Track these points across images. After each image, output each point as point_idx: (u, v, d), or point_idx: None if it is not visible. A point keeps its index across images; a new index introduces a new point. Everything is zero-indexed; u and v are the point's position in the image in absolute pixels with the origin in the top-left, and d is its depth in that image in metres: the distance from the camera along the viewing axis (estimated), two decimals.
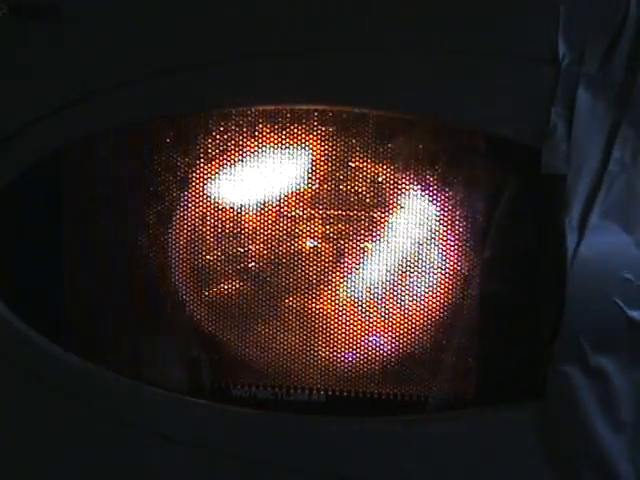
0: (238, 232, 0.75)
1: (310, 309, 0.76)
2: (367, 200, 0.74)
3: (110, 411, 0.76)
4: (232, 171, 0.75)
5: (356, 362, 0.76)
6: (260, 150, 0.74)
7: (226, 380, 0.77)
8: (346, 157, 0.74)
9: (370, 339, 0.76)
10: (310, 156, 0.74)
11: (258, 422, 0.75)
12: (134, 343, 0.78)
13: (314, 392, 0.76)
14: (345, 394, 0.76)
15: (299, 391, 0.76)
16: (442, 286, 0.74)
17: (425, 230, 0.74)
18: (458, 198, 0.73)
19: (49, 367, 0.76)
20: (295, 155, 0.74)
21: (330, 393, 0.76)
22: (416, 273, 0.74)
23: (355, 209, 0.74)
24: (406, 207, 0.74)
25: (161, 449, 0.75)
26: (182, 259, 0.77)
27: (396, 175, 0.73)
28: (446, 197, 0.73)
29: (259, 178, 0.75)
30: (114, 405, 0.76)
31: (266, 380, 0.76)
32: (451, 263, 0.74)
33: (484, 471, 0.73)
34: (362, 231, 0.74)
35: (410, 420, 0.74)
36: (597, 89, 0.67)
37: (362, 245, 0.75)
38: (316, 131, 0.73)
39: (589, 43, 0.67)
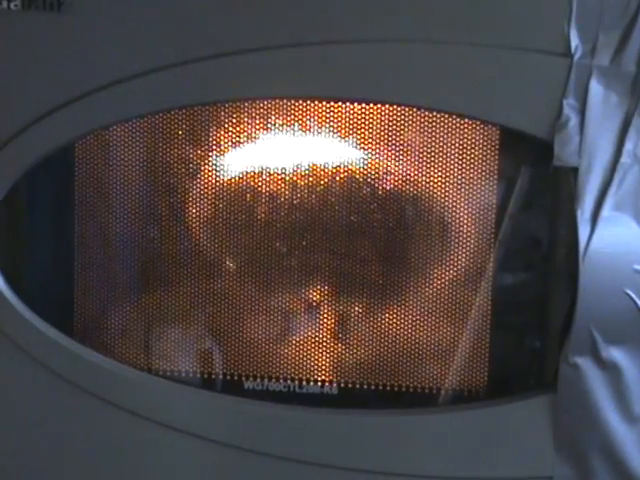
0: (251, 223, 0.76)
1: (324, 302, 0.76)
2: (379, 193, 0.74)
3: (121, 403, 0.76)
4: (244, 161, 0.75)
5: (369, 355, 0.76)
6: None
7: (238, 373, 0.77)
8: (358, 149, 0.74)
9: (382, 332, 0.76)
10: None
11: (270, 415, 0.75)
12: (145, 334, 0.78)
13: (326, 384, 0.76)
14: (358, 386, 0.76)
15: (311, 384, 0.76)
16: (454, 279, 0.74)
17: (436, 224, 0.74)
18: (470, 191, 0.73)
19: (59, 358, 0.76)
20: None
21: (342, 385, 0.76)
22: (428, 267, 0.75)
23: (368, 202, 0.74)
24: (417, 200, 0.74)
25: (172, 442, 0.75)
26: (193, 250, 0.77)
27: (407, 167, 0.73)
28: (458, 190, 0.73)
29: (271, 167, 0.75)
30: (125, 397, 0.76)
31: (278, 372, 0.77)
32: (463, 256, 0.74)
33: (496, 463, 0.73)
34: (377, 225, 0.75)
35: (422, 413, 0.74)
36: (609, 81, 0.67)
37: (375, 239, 0.75)
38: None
39: (601, 35, 0.67)
